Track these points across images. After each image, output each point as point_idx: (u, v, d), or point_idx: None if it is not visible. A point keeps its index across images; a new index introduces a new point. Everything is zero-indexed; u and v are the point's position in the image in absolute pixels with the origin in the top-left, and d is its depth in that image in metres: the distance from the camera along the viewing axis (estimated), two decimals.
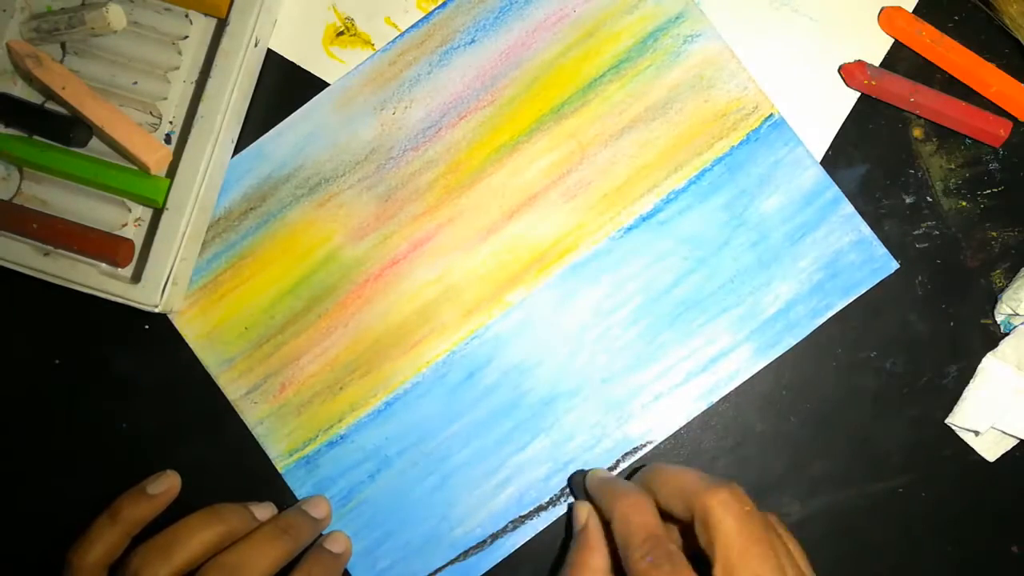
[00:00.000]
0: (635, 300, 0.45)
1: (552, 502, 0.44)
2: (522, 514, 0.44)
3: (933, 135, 0.45)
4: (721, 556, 0.35)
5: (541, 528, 0.44)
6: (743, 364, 0.44)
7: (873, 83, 0.44)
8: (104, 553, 0.41)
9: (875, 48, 0.45)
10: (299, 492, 0.45)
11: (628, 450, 0.44)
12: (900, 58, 0.45)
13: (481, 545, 0.44)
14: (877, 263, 0.44)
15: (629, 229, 0.45)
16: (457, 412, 0.45)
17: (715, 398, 0.45)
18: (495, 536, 0.44)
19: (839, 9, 0.45)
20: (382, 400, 0.45)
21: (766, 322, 0.44)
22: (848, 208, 0.44)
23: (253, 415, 0.45)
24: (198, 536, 0.40)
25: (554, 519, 0.44)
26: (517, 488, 0.45)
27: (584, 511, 0.42)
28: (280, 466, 0.45)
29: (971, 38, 0.45)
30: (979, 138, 0.45)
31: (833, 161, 0.45)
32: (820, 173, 0.44)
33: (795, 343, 0.44)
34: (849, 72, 0.44)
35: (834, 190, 0.44)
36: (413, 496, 0.45)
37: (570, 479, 0.44)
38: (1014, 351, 0.44)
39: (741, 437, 0.45)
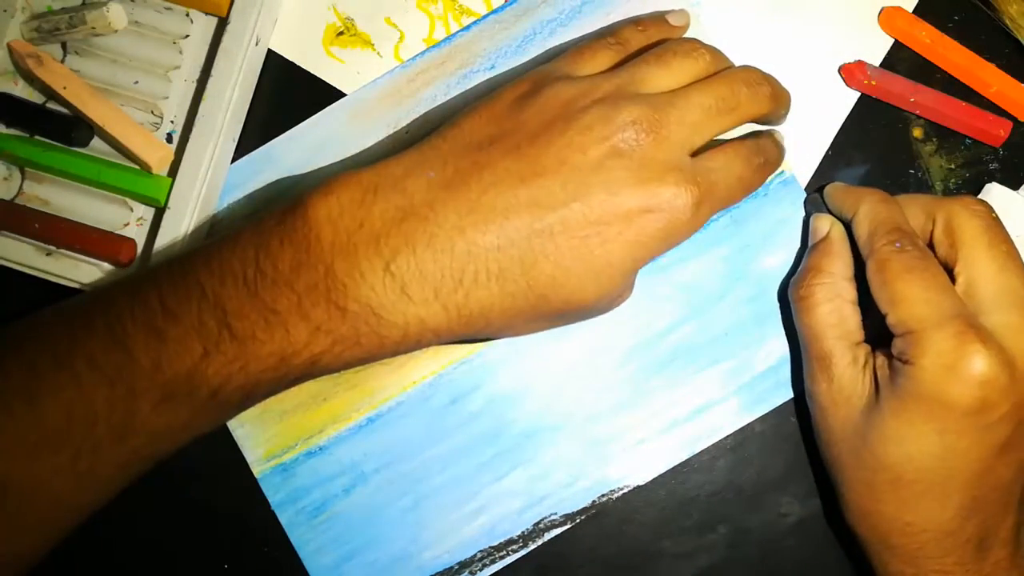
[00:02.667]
0: (627, 342, 0.44)
1: (523, 537, 0.44)
2: (492, 545, 0.44)
3: (933, 135, 0.45)
4: (966, 254, 0.38)
5: (510, 561, 0.44)
6: (728, 418, 0.44)
7: (873, 83, 0.43)
8: (599, 67, 0.40)
9: (875, 48, 0.45)
10: (273, 498, 0.45)
11: (604, 492, 0.44)
12: (900, 58, 0.45)
13: (448, 572, 0.44)
14: None
15: None
16: (438, 435, 0.45)
17: (697, 449, 0.44)
18: (463, 564, 0.44)
19: (839, 9, 0.45)
20: (365, 416, 0.45)
21: (755, 379, 0.44)
22: None
23: (235, 417, 0.45)
24: None
25: (522, 555, 0.44)
26: (489, 519, 0.44)
27: (827, 221, 0.42)
28: (256, 471, 0.45)
29: (971, 38, 0.44)
30: (979, 138, 0.44)
31: (833, 161, 0.45)
32: None
33: (781, 403, 0.44)
34: (849, 72, 0.44)
35: None
36: (385, 515, 0.44)
37: (806, 200, 0.44)
38: None
39: (741, 437, 0.44)
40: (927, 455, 0.37)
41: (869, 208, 0.40)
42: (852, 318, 0.40)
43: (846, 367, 0.39)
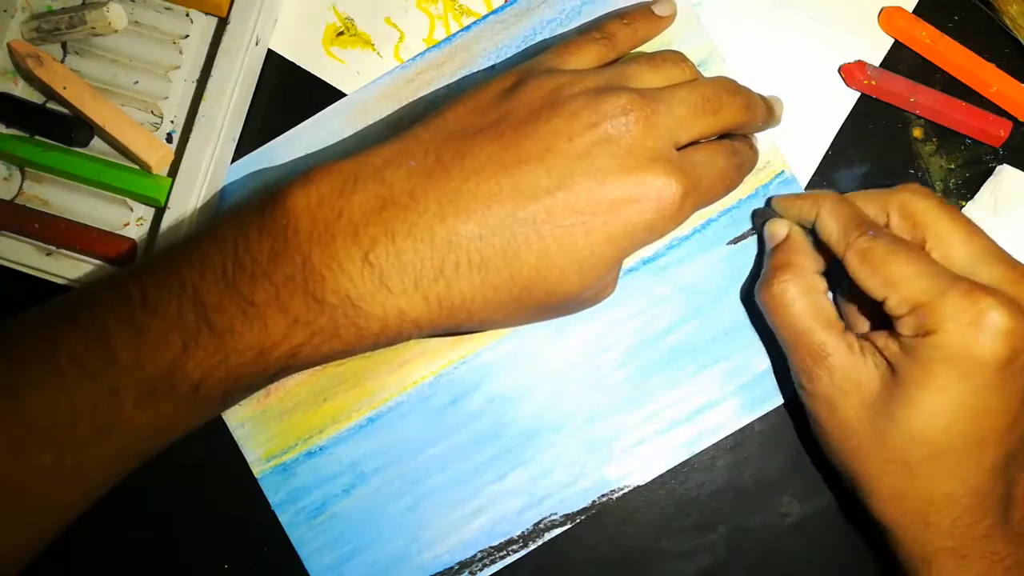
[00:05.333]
0: (627, 342, 0.44)
1: (523, 537, 0.44)
2: (492, 545, 0.44)
3: (933, 135, 0.45)
4: (933, 229, 0.39)
5: (510, 561, 0.44)
6: (727, 418, 0.44)
7: (873, 83, 0.44)
8: (585, 62, 0.39)
9: (875, 48, 0.45)
10: (273, 499, 0.45)
11: (605, 491, 0.44)
12: (900, 58, 0.45)
13: (448, 572, 0.44)
14: None
15: (629, 270, 0.44)
16: (438, 435, 0.45)
17: (697, 449, 0.44)
18: (463, 564, 0.44)
19: (839, 9, 0.45)
20: (365, 416, 0.45)
21: (755, 379, 0.44)
22: None
23: (235, 417, 0.45)
24: None
25: (522, 555, 0.44)
26: (489, 518, 0.44)
27: (784, 224, 0.42)
28: (256, 471, 0.45)
29: (971, 38, 0.44)
30: (979, 138, 0.44)
31: (833, 161, 0.45)
32: None
33: (781, 403, 0.44)
34: (849, 72, 0.44)
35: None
36: (385, 515, 0.44)
37: (754, 213, 0.44)
38: None
39: (741, 437, 0.44)
40: (962, 418, 0.37)
41: (831, 208, 0.40)
42: (831, 308, 0.40)
43: (844, 355, 0.39)
